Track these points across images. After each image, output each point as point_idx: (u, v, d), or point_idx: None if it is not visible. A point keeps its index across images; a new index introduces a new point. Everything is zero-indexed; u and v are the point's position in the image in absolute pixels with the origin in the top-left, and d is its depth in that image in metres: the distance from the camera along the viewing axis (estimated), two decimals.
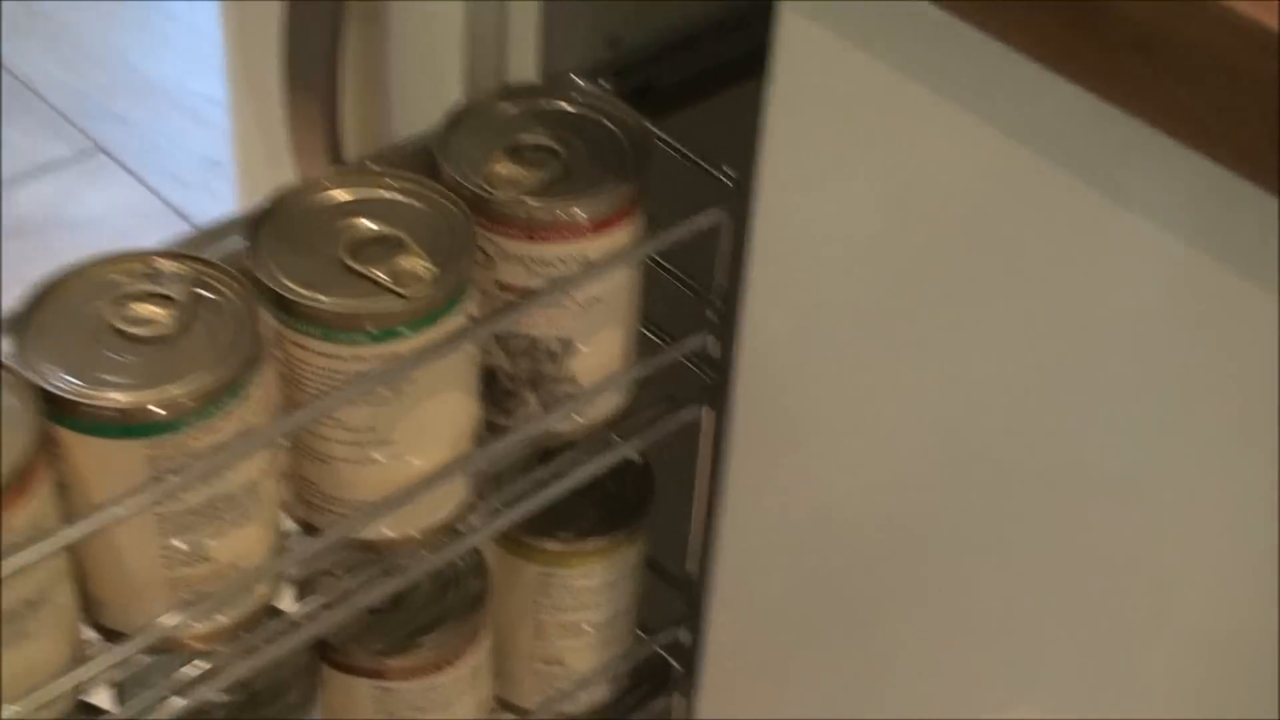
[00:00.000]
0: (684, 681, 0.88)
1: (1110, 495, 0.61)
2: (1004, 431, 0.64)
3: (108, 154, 1.82)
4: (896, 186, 0.63)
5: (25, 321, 0.60)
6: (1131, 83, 0.50)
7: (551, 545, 0.82)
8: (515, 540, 0.82)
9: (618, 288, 0.72)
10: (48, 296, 0.61)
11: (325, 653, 0.77)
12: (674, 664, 0.88)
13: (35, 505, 0.57)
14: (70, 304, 0.61)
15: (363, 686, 0.77)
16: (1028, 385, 0.62)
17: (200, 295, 0.62)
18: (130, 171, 1.80)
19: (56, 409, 0.58)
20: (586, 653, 0.86)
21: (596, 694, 0.88)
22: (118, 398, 0.59)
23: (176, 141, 1.83)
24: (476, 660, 0.79)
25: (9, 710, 0.59)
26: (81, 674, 0.61)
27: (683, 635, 0.87)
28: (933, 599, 0.71)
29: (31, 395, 0.58)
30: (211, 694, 0.70)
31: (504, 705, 0.88)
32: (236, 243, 0.65)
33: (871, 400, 0.69)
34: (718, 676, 0.86)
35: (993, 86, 0.57)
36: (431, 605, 0.78)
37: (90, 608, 0.63)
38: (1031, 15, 0.52)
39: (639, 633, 0.88)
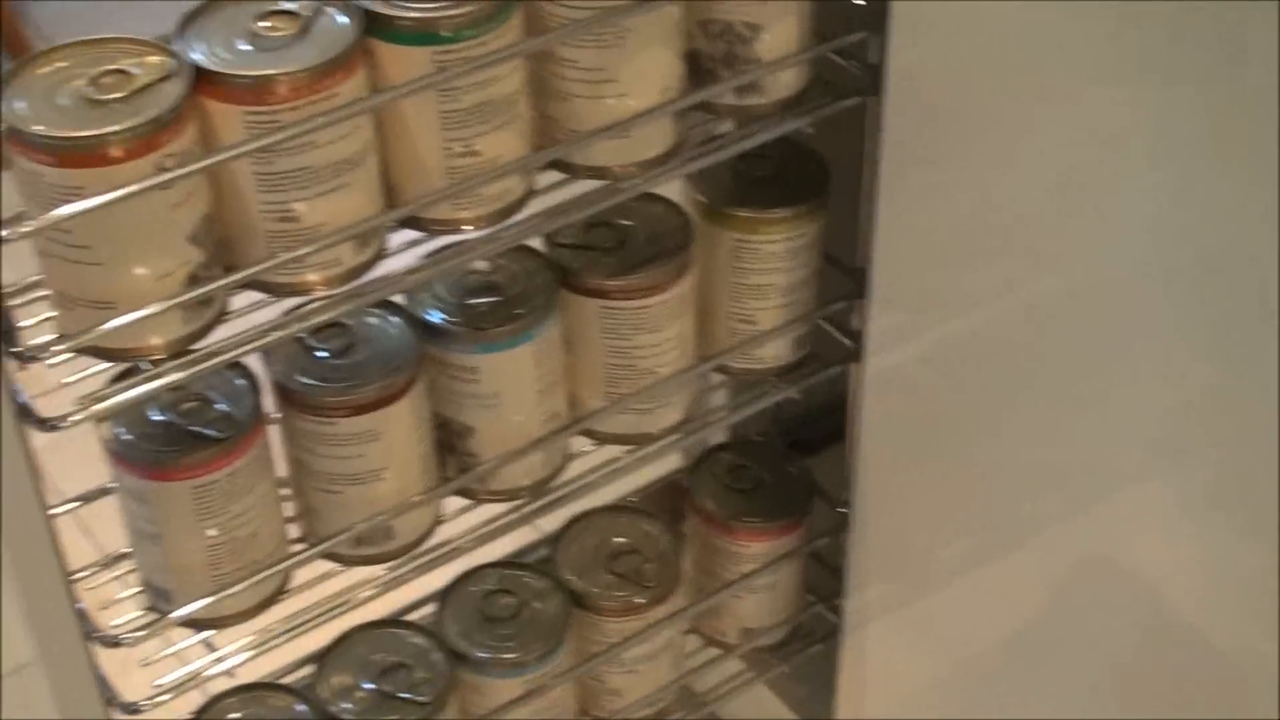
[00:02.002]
0: (853, 354, 1.10)
1: None
2: None
3: None
4: None
5: None
6: None
7: (744, 213, 1.05)
8: (716, 211, 1.06)
9: None
10: None
11: (564, 278, 1.01)
12: (844, 340, 1.10)
13: (355, 84, 0.83)
14: None
15: (590, 305, 1.02)
16: None
17: None
18: None
19: (373, 23, 0.84)
20: (772, 313, 1.09)
21: (781, 352, 1.11)
22: (414, 14, 0.84)
23: None
24: (680, 293, 1.03)
25: (350, 242, 0.85)
26: (383, 218, 0.87)
27: (854, 319, 1.08)
28: None
29: (358, 14, 0.84)
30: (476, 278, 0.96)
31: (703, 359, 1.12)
32: None
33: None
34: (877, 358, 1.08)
35: None
36: (646, 247, 1.03)
37: (389, 196, 0.89)
38: None
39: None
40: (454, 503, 1.04)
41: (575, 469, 1.08)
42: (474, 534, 1.04)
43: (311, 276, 0.86)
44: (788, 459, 1.24)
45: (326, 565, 1.00)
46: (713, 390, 1.23)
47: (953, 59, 0.92)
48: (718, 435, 1.30)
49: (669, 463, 1.27)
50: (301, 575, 0.99)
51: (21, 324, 0.81)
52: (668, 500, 1.26)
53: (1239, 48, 0.75)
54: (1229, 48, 0.75)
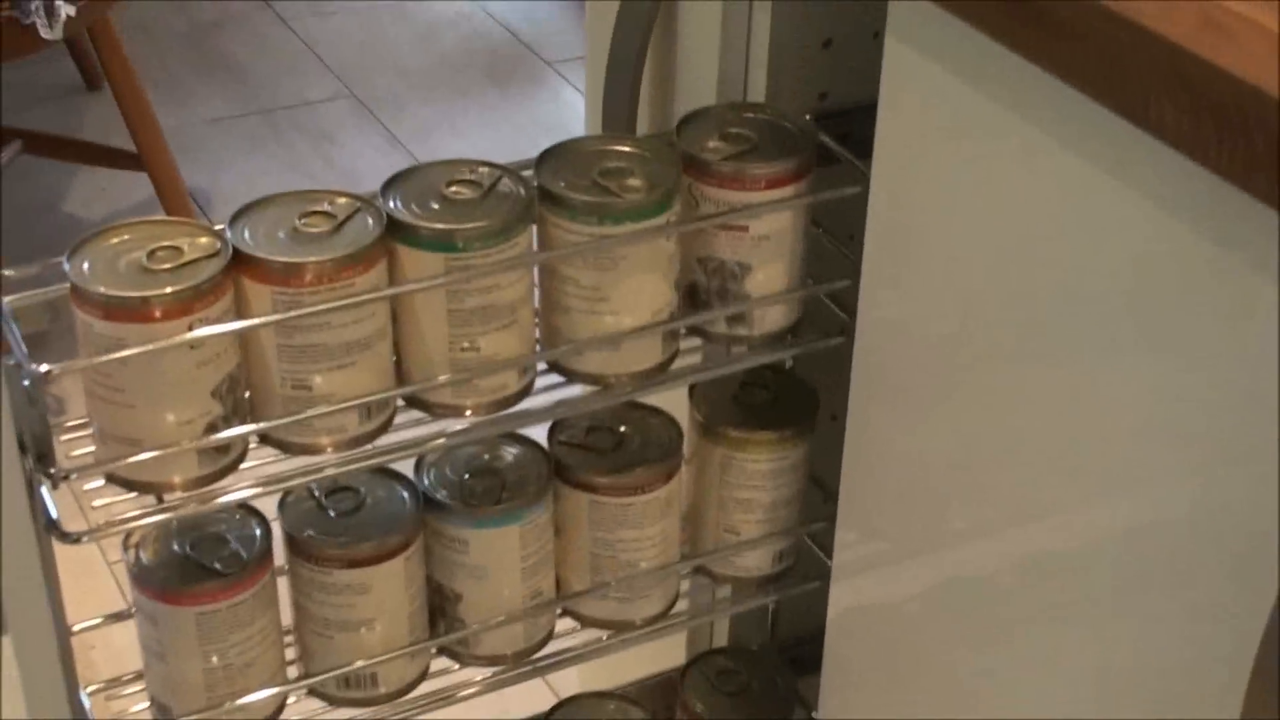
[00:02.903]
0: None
1: None
2: None
3: None
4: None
5: (392, 184, 1.01)
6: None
7: (733, 432, 1.18)
8: (709, 428, 1.19)
9: (782, 231, 1.09)
10: (409, 174, 1.02)
11: (559, 470, 1.14)
12: (820, 554, 1.22)
13: (372, 277, 0.98)
14: (420, 179, 1.02)
15: (581, 498, 1.15)
16: None
17: (498, 186, 1.02)
18: None
19: (396, 228, 0.99)
20: (755, 526, 1.21)
21: (762, 563, 1.23)
22: (435, 225, 0.99)
23: None
24: (664, 495, 1.16)
25: (353, 406, 0.99)
26: (386, 395, 1.01)
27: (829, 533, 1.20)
28: None
29: (380, 220, 0.99)
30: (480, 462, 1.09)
31: (697, 570, 1.24)
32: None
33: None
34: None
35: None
36: (638, 452, 1.16)
37: (398, 378, 1.03)
38: None
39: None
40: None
41: (561, 645, 1.20)
42: (456, 694, 1.15)
43: (320, 440, 1.00)
44: (777, 671, 1.35)
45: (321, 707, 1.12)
46: (711, 595, 1.34)
47: (918, 315, 1.05)
48: (720, 639, 1.42)
49: (670, 660, 1.38)
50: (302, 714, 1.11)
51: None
52: (663, 696, 1.36)
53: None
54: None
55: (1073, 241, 0.88)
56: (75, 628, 1.03)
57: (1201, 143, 0.75)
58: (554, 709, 1.31)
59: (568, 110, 2.80)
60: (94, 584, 1.15)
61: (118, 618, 1.09)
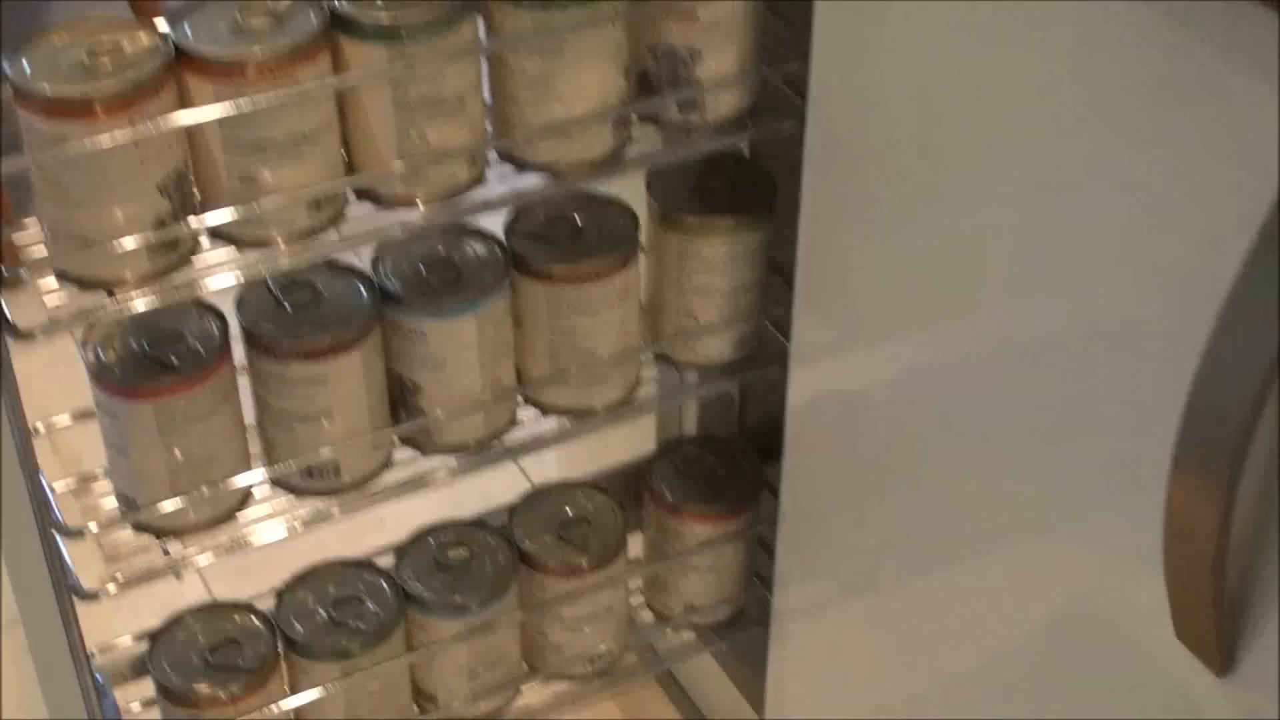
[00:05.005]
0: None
1: None
2: None
3: None
4: None
5: None
6: None
7: (690, 219, 1.21)
8: (666, 216, 1.22)
9: (733, 15, 1.11)
10: None
11: (516, 261, 1.18)
12: (782, 339, 1.25)
13: (316, 70, 1.01)
14: None
15: (537, 287, 1.18)
16: None
17: None
18: None
19: (339, 21, 1.02)
20: (714, 311, 1.25)
21: (722, 349, 1.27)
22: (376, 15, 1.01)
23: None
24: (619, 283, 1.19)
25: (302, 198, 1.02)
26: (333, 186, 1.04)
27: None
28: None
29: (322, 13, 1.01)
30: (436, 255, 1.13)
31: (657, 356, 1.28)
32: None
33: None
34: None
35: None
36: (594, 242, 1.19)
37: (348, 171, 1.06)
38: None
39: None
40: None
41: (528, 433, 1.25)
42: (424, 481, 1.20)
43: (271, 232, 1.04)
44: (744, 456, 1.40)
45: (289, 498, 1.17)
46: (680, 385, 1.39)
47: (868, 93, 1.07)
48: (689, 428, 1.47)
49: (644, 450, 1.43)
50: (271, 507, 1.17)
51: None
52: (632, 483, 1.42)
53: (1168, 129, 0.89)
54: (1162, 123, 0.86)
55: (1035, 27, 0.90)
56: (37, 425, 1.08)
57: None
58: (527, 496, 1.36)
59: None
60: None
61: (81, 417, 1.14)
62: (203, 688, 1.20)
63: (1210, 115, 0.80)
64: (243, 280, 1.05)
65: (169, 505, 1.10)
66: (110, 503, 1.12)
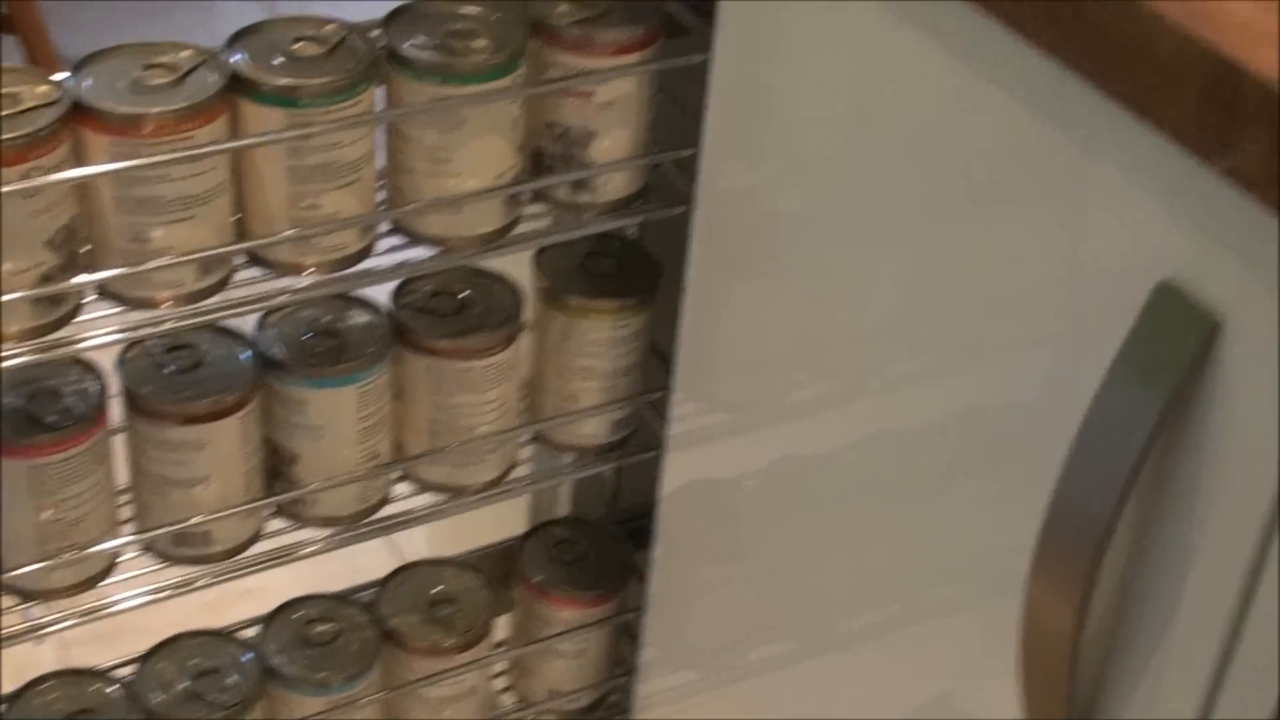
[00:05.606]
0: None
1: None
2: None
3: None
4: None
5: (238, 39, 1.04)
6: None
7: (574, 300, 1.22)
8: (551, 296, 1.23)
9: (628, 97, 1.13)
10: (255, 29, 1.05)
11: (400, 333, 1.18)
12: (657, 423, 1.27)
13: (212, 130, 1.01)
14: (266, 35, 1.05)
15: (420, 361, 1.19)
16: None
17: (343, 43, 1.05)
18: None
19: (239, 83, 1.02)
20: (594, 393, 1.26)
21: (599, 431, 1.28)
22: (277, 80, 1.02)
23: None
24: (503, 361, 1.20)
25: (190, 260, 1.02)
26: (224, 250, 1.04)
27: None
28: None
29: (223, 73, 1.01)
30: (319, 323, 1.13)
31: (536, 438, 1.29)
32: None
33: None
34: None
35: None
36: (478, 318, 1.20)
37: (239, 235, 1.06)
38: None
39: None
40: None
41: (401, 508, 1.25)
42: (294, 553, 1.20)
43: (158, 294, 1.03)
44: (614, 540, 1.41)
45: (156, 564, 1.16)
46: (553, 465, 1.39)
47: (756, 181, 1.09)
48: (561, 508, 1.47)
49: (515, 529, 1.43)
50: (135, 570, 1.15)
51: None
52: (502, 563, 1.42)
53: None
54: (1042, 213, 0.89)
55: (907, 115, 0.93)
56: None
57: (1015, 10, 0.80)
58: (396, 571, 1.35)
59: None
60: None
61: None
62: None
63: (1081, 209, 0.82)
64: (126, 340, 1.05)
65: (36, 567, 1.09)
66: None
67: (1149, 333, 0.77)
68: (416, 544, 1.55)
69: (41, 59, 2.39)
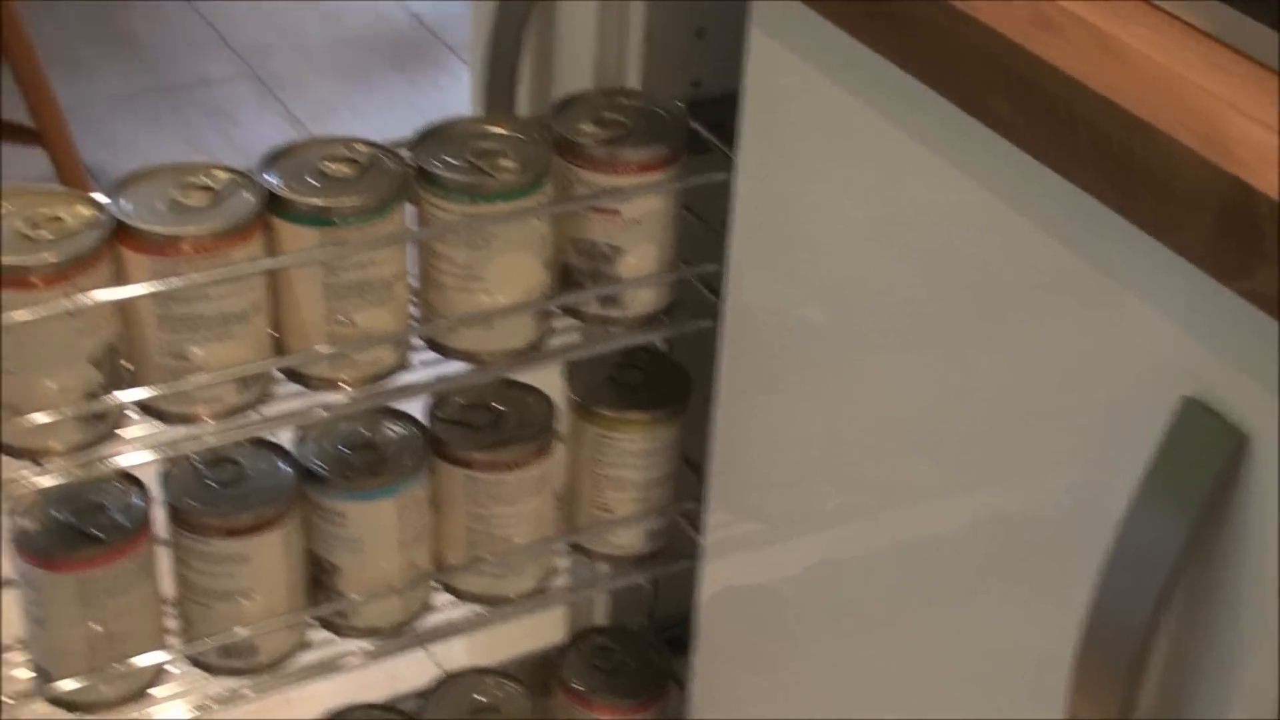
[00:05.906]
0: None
1: None
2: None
3: None
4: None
5: (271, 160, 1.08)
6: None
7: (606, 412, 1.26)
8: (584, 408, 1.26)
9: (653, 215, 1.16)
10: (288, 149, 1.09)
11: (436, 446, 1.21)
12: (693, 533, 1.29)
13: (249, 250, 1.05)
14: (299, 155, 1.09)
15: (456, 473, 1.22)
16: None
17: (375, 163, 1.09)
18: None
19: (274, 202, 1.06)
20: (628, 504, 1.28)
21: (635, 541, 1.31)
22: (312, 200, 1.06)
23: None
24: (538, 472, 1.23)
25: (229, 377, 1.05)
26: (261, 366, 1.08)
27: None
28: None
29: (258, 194, 1.06)
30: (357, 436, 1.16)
31: (573, 548, 1.31)
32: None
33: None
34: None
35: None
36: (513, 430, 1.23)
37: (276, 351, 1.10)
38: None
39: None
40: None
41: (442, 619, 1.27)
42: (337, 665, 1.22)
43: (198, 409, 1.07)
44: (654, 649, 1.43)
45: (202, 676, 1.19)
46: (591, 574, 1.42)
47: (781, 294, 1.12)
48: (600, 617, 1.49)
49: (554, 637, 1.46)
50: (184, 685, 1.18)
51: None
52: (541, 672, 1.44)
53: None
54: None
55: (928, 233, 0.96)
56: None
57: (1033, 136, 0.83)
58: (436, 684, 1.38)
59: (469, 95, 2.87)
60: None
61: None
62: None
63: (1104, 325, 0.84)
64: (167, 456, 1.08)
65: (83, 681, 1.12)
66: (24, 674, 1.14)
67: (1177, 447, 0.79)
68: (455, 652, 1.57)
69: (69, 172, 2.45)
